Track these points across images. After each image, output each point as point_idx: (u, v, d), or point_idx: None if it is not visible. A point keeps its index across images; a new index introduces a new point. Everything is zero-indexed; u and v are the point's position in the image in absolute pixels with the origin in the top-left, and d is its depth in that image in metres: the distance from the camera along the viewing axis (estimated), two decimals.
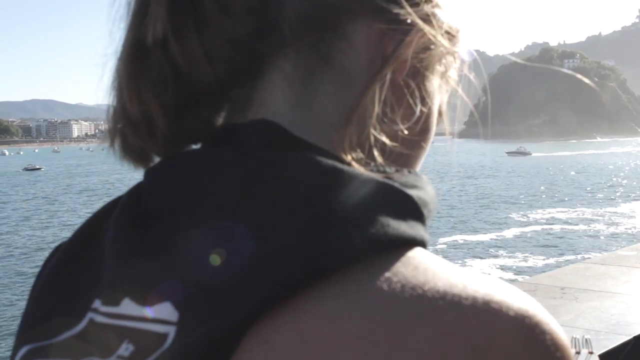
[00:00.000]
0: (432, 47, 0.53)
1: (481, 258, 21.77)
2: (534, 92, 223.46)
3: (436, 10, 0.54)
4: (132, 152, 0.55)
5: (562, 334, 0.44)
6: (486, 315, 0.41)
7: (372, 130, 0.51)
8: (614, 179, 54.89)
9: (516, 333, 0.41)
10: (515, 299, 0.43)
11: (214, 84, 0.53)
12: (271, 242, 0.43)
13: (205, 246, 0.44)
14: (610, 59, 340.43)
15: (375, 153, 0.51)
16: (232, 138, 0.52)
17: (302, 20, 0.52)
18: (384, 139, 0.52)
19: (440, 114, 0.60)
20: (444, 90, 0.59)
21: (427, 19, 0.52)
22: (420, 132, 0.56)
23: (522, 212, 33.48)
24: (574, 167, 71.26)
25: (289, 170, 0.47)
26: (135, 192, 0.54)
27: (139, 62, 0.53)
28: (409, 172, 0.51)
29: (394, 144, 0.53)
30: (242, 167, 0.48)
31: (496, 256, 22.03)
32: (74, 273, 0.53)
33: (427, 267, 0.44)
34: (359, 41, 0.52)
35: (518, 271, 19.22)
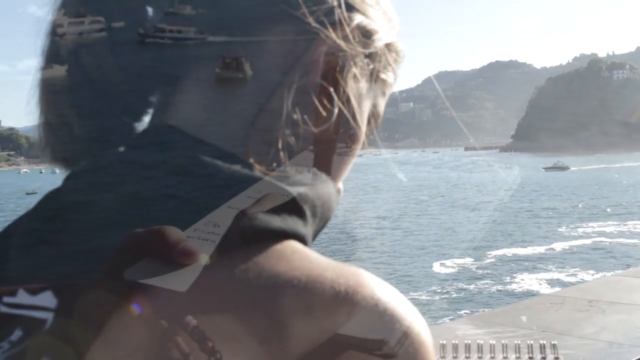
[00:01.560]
0: (342, 49, 0.54)
1: (530, 272, 21.39)
2: (582, 105, 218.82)
3: (354, 14, 0.55)
4: (58, 158, 0.57)
5: (419, 324, 0.46)
6: (333, 302, 0.43)
7: (280, 133, 0.52)
8: None
9: (363, 320, 0.43)
10: (373, 290, 0.45)
11: (127, 89, 0.54)
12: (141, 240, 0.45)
13: (89, 240, 0.47)
14: None
15: (281, 155, 0.52)
16: (136, 141, 0.54)
17: (217, 28, 0.53)
18: (292, 141, 0.52)
19: (374, 117, 0.60)
20: (380, 94, 0.59)
21: (325, 21, 0.53)
22: (339, 135, 0.56)
23: (567, 227, 32.76)
24: (613, 180, 69.25)
25: (168, 170, 0.49)
26: (55, 191, 0.54)
27: (54, 69, 0.54)
28: (308, 171, 0.52)
29: (305, 146, 0.53)
30: (129, 168, 0.51)
31: (546, 270, 21.59)
32: None
33: (290, 258, 0.45)
34: (273, 46, 0.54)
35: (567, 286, 18.77)
